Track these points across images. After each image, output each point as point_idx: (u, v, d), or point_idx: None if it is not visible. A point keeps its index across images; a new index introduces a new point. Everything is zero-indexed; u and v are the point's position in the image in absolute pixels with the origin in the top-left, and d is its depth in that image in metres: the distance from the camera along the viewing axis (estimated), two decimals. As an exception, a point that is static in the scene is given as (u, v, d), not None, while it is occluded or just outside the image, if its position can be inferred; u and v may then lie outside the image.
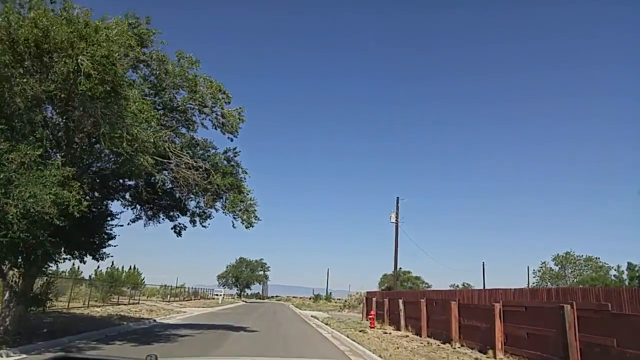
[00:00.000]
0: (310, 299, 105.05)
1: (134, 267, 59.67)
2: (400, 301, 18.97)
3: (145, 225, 15.97)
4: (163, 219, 15.98)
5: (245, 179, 14.98)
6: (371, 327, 19.61)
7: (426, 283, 71.50)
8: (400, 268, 78.99)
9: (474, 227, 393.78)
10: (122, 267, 55.12)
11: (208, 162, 13.83)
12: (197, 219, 15.74)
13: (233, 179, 14.02)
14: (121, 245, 16.10)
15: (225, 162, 14.60)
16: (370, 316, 20.07)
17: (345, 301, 43.12)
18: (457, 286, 72.98)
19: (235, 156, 15.00)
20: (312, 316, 30.61)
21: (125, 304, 28.53)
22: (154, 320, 20.19)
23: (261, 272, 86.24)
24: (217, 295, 76.41)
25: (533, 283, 40.72)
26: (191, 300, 51.03)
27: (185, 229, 15.94)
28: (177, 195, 14.87)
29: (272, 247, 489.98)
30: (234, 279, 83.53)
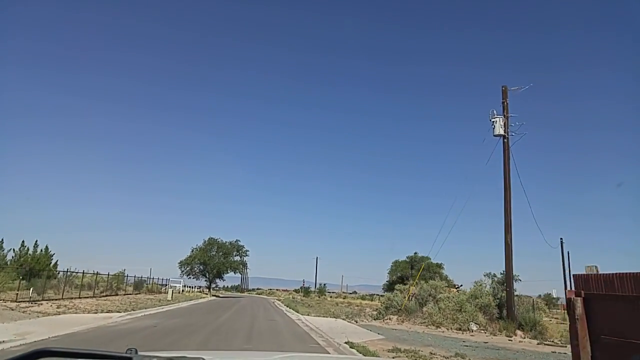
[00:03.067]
0: (297, 291, 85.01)
1: (38, 246, 39.97)
2: None
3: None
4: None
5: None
6: None
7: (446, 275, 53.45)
8: (415, 253, 60.62)
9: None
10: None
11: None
12: None
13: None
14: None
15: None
16: None
17: (389, 300, 24.01)
18: (494, 275, 54.68)
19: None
20: (347, 343, 11.88)
21: None
22: None
23: (237, 258, 66.27)
24: (183, 287, 57.54)
25: None
26: (116, 295, 31.60)
27: None
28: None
29: (250, 234, 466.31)
30: (201, 267, 63.67)
